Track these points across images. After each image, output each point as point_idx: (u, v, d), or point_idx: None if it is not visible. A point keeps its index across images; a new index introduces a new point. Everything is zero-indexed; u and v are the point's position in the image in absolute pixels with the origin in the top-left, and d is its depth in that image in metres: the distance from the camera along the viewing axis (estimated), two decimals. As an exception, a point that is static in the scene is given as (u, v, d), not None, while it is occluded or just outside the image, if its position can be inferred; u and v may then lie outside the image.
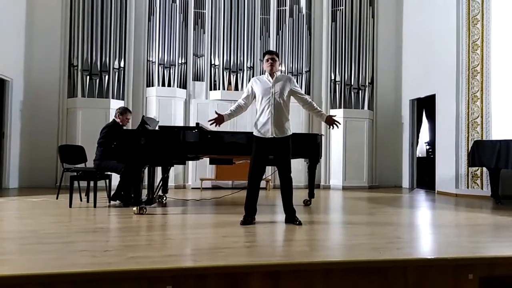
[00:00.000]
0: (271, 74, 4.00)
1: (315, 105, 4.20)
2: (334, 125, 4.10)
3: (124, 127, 5.56)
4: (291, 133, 4.00)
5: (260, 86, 3.97)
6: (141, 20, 8.24)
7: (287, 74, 8.55)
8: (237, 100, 4.14)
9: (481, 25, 6.96)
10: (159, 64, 8.13)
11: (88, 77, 7.72)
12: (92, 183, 5.09)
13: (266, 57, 4.03)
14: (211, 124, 3.97)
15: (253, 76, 8.44)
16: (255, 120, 3.98)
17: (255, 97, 4.01)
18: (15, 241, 3.08)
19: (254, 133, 3.97)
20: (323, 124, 8.67)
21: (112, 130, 5.23)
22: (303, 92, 4.33)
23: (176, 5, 8.28)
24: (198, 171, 8.12)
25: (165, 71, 8.16)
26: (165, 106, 8.08)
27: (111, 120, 5.83)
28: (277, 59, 4.03)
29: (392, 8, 9.28)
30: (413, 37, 8.76)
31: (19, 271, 2.17)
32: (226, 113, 4.02)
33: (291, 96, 4.03)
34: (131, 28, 8.09)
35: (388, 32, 9.21)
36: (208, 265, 2.38)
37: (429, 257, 2.72)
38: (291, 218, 3.92)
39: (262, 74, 4.57)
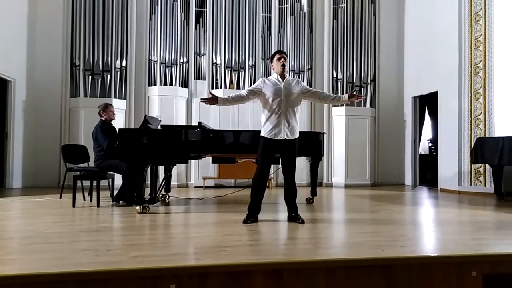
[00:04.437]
0: (282, 75, 3.90)
1: (330, 94, 4.10)
2: (359, 98, 3.97)
3: (113, 121, 5.50)
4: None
5: (270, 88, 3.85)
6: (143, 19, 8.24)
7: (289, 72, 8.55)
8: None
9: (484, 21, 6.93)
10: (160, 63, 8.13)
11: (90, 76, 7.73)
12: (95, 183, 5.11)
13: (278, 56, 3.90)
14: (201, 101, 3.86)
15: (254, 74, 8.51)
16: (264, 121, 3.89)
17: (258, 96, 3.92)
18: (19, 241, 3.10)
19: (263, 135, 3.88)
20: (325, 122, 8.76)
21: (106, 129, 5.26)
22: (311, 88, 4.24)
23: (178, 4, 8.27)
24: (200, 170, 8.13)
25: (167, 70, 8.16)
26: (167, 105, 8.09)
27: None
28: (287, 59, 3.94)
29: (393, 5, 9.25)
30: (415, 34, 8.73)
31: (24, 271, 2.19)
32: (223, 97, 3.90)
33: (302, 99, 3.98)
34: (132, 27, 8.10)
35: (390, 29, 9.19)
36: (211, 264, 2.38)
37: (432, 254, 2.72)
38: (293, 216, 3.92)
39: (269, 75, 4.51)
